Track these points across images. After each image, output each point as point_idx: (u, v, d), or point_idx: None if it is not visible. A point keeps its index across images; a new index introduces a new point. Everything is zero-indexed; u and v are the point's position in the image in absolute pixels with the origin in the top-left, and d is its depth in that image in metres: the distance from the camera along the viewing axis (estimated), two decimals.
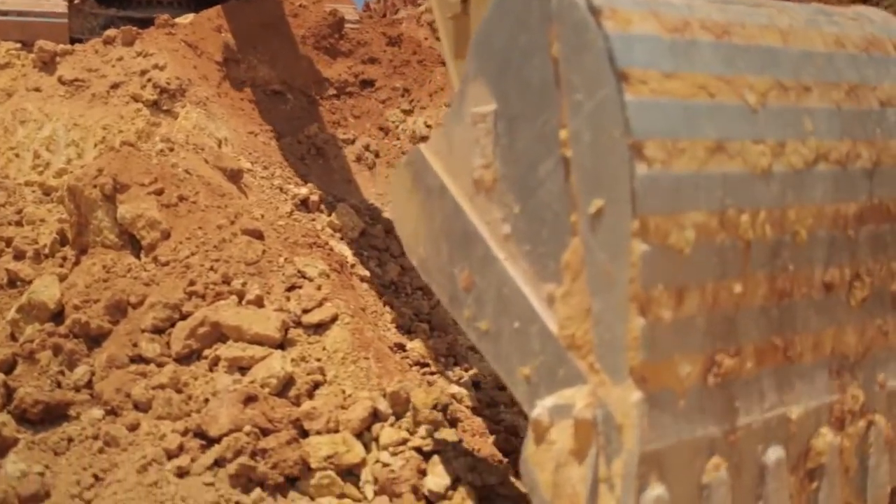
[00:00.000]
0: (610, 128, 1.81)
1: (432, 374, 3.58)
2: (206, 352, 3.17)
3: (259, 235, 3.65)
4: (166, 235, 3.63)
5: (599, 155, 1.85)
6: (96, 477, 2.66)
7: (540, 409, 1.93)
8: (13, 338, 3.38)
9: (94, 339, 3.28)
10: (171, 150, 4.16)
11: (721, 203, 1.88)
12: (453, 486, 2.75)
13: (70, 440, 2.86)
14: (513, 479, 2.92)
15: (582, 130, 1.89)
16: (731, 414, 1.92)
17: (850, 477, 2.20)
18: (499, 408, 3.55)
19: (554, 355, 1.98)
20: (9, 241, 4.10)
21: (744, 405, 1.95)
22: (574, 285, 1.91)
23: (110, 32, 5.51)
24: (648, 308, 1.76)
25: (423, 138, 5.95)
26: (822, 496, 2.13)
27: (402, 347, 3.72)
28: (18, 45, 5.52)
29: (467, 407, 3.34)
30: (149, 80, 5.14)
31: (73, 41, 5.98)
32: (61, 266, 3.81)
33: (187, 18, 6.04)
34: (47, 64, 5.31)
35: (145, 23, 6.04)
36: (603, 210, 1.83)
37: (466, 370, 3.83)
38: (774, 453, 2.00)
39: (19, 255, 4.01)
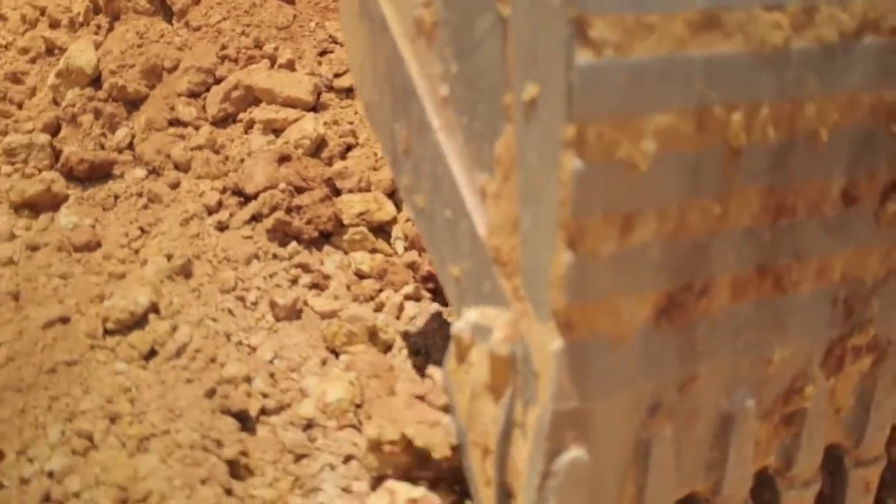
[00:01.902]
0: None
1: None
2: (241, 115, 3.23)
3: (290, 0, 3.61)
4: (196, 1, 3.61)
5: (537, 25, 1.31)
6: (142, 229, 2.81)
7: (462, 325, 1.56)
8: (55, 102, 3.47)
9: (133, 103, 3.36)
10: None
11: (701, 99, 1.34)
12: None
13: (116, 197, 3.01)
14: None
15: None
16: (690, 360, 1.48)
17: (841, 416, 1.79)
18: None
19: (481, 264, 1.57)
20: (43, 11, 4.10)
21: (707, 348, 1.50)
22: (505, 186, 1.47)
23: None
24: (580, 240, 1.29)
25: None
26: (802, 441, 1.72)
27: None
28: None
29: None
30: None
31: None
32: (96, 34, 3.82)
33: None
34: None
35: None
36: (537, 100, 1.33)
37: None
38: (741, 402, 1.58)
39: (54, 24, 4.02)
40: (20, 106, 3.55)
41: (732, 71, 1.36)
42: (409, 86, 1.74)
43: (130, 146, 3.24)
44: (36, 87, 3.62)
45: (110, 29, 3.77)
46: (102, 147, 3.22)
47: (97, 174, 3.10)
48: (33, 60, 3.83)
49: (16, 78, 3.68)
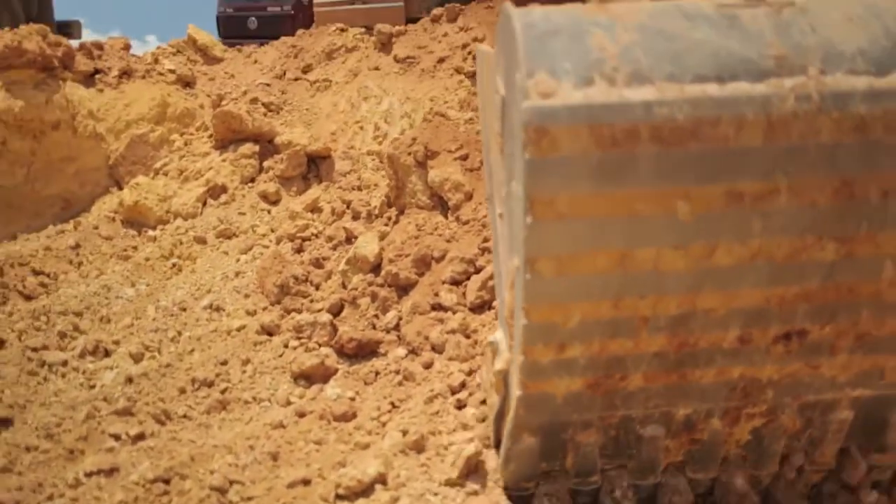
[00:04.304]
0: (518, 234, 1.93)
1: None
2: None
3: None
4: (469, 197, 4.03)
5: (516, 233, 1.96)
6: (393, 405, 3.12)
7: (494, 338, 2.38)
8: (343, 286, 4.00)
9: (403, 289, 3.78)
10: (478, 117, 4.55)
11: (616, 294, 1.94)
12: None
13: (377, 373, 3.37)
14: None
15: (510, 199, 1.99)
16: (610, 409, 2.15)
17: (740, 444, 2.34)
18: None
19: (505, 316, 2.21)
20: (348, 204, 4.80)
21: (624, 404, 2.15)
22: (512, 292, 2.10)
23: (437, 11, 6.06)
24: (528, 353, 2.01)
25: None
26: (703, 454, 2.32)
27: None
28: (363, 30, 6.28)
29: None
30: (469, 52, 5.59)
31: (411, 21, 6.65)
32: (385, 225, 4.38)
33: None
34: (385, 45, 5.98)
35: None
36: (517, 270, 1.98)
37: None
38: (653, 430, 2.23)
39: (356, 216, 4.68)
40: (317, 287, 4.13)
41: (644, 281, 1.93)
42: (491, 170, 2.39)
43: (397, 327, 3.63)
44: (332, 270, 4.19)
45: (396, 221, 4.30)
46: (374, 327, 3.64)
47: (364, 351, 3.50)
48: (335, 248, 4.46)
49: (318, 263, 4.30)
